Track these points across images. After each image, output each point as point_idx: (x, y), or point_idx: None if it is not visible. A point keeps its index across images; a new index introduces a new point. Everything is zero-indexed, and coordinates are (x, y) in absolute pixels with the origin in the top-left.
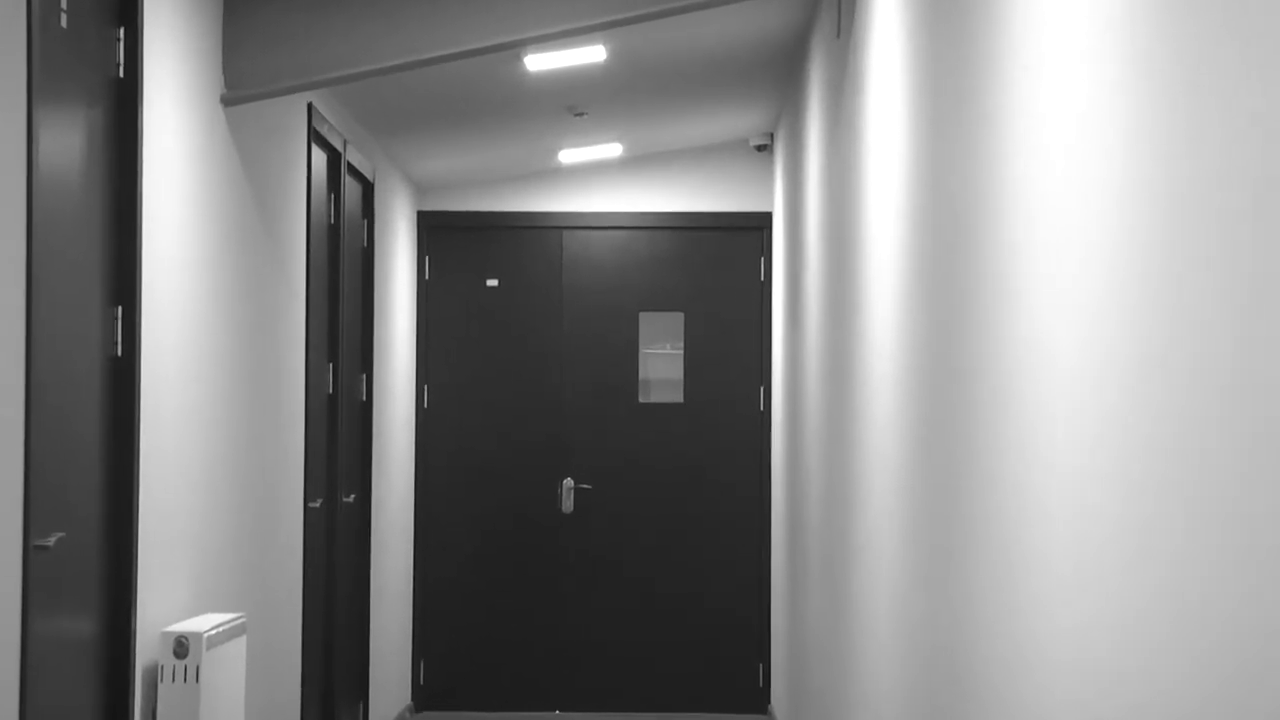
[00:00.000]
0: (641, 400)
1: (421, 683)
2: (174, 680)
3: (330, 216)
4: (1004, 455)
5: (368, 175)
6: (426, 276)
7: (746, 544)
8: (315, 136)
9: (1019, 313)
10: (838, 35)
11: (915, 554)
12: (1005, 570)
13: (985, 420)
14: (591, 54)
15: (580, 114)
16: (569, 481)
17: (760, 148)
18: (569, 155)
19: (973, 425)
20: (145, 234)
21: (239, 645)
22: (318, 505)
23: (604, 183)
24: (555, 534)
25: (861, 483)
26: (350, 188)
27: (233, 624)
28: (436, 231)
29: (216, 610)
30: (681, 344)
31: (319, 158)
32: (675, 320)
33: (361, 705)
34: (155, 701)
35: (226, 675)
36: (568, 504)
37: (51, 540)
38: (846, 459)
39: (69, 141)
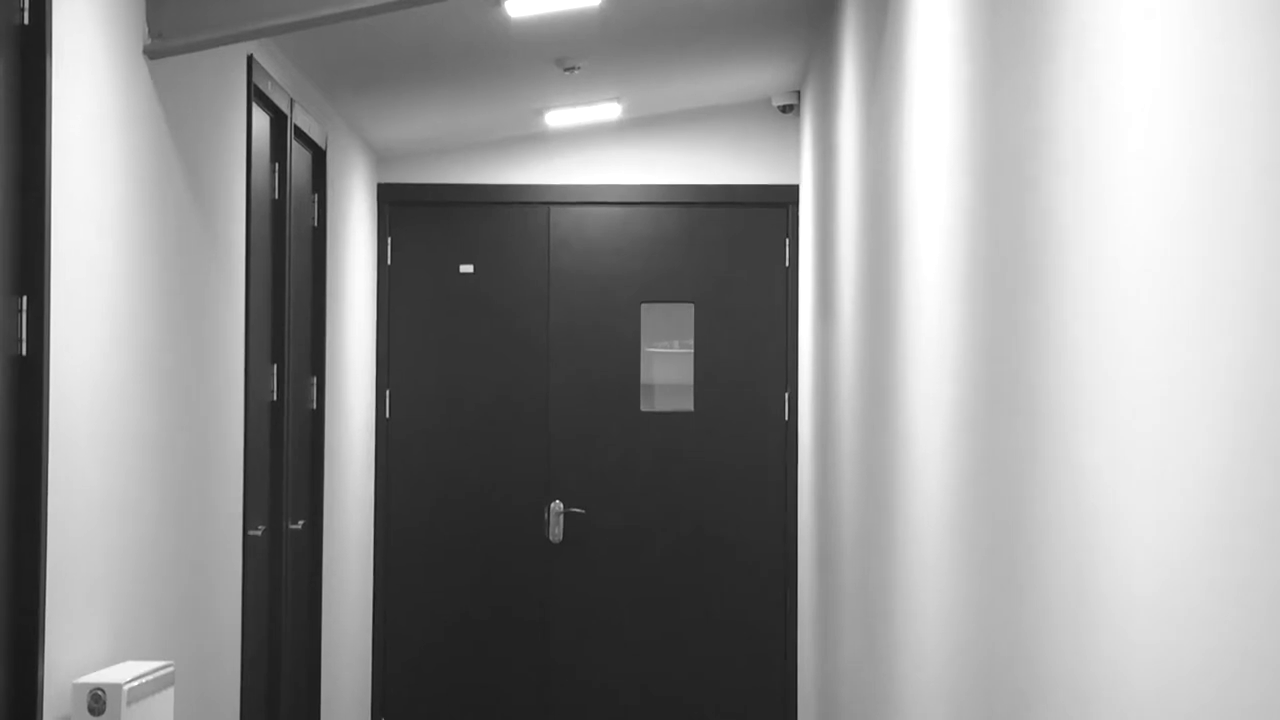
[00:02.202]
0: (644, 408)
1: None
2: None
3: (274, 190)
4: (1082, 474)
5: (319, 141)
6: (389, 261)
7: (768, 578)
8: (256, 95)
9: (1096, 303)
10: None
11: (971, 595)
12: (1078, 625)
13: (1056, 435)
14: None
15: (571, 68)
16: (558, 505)
17: (785, 108)
18: (558, 117)
19: (1043, 444)
20: (54, 211)
21: (166, 699)
22: (259, 533)
23: (599, 150)
24: (542, 568)
25: (905, 504)
26: (298, 156)
27: (158, 674)
28: (400, 208)
29: (139, 658)
30: (691, 341)
31: (261, 121)
32: (684, 313)
33: None
34: None
35: None
36: (556, 532)
37: None
38: (887, 476)
39: None
